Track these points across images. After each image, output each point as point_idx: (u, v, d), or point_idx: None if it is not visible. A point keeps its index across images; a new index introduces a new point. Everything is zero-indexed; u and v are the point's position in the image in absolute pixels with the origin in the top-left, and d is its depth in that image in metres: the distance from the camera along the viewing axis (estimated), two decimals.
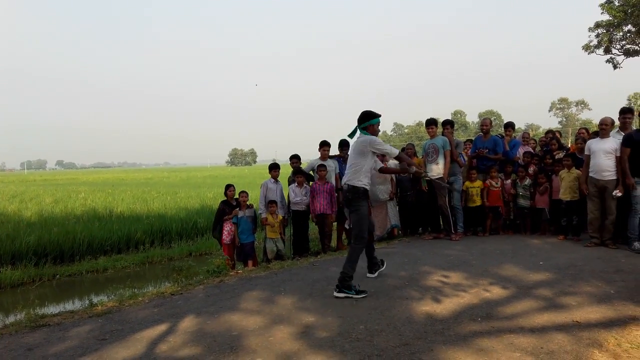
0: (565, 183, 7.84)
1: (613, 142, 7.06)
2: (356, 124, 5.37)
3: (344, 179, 5.39)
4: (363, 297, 4.92)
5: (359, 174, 5.22)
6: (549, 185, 8.31)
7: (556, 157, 8.57)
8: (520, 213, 8.82)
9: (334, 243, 9.07)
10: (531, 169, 8.74)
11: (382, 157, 7.12)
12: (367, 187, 5.31)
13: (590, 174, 7.25)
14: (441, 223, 8.72)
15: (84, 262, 11.14)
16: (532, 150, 9.48)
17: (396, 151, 5.41)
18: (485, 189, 8.67)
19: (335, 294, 5.01)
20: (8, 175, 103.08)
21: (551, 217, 8.42)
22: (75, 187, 34.54)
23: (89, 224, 13.55)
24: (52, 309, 7.81)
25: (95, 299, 6.09)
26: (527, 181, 8.57)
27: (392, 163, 5.86)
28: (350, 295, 4.94)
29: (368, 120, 5.29)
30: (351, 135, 5.55)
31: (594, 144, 7.27)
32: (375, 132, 5.37)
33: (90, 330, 4.26)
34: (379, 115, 5.35)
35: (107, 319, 4.59)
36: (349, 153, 5.72)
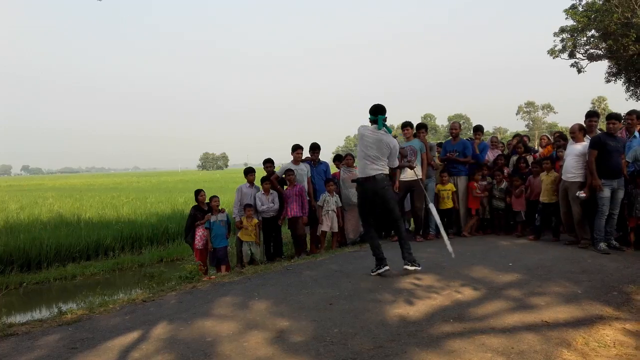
0: (544, 185, 7.99)
1: (581, 145, 7.23)
2: (376, 116, 5.82)
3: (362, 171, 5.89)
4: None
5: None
6: (524, 188, 8.47)
7: (526, 159, 8.79)
8: (495, 214, 8.99)
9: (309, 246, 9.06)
10: (505, 171, 8.93)
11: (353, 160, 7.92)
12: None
13: (562, 177, 7.44)
14: (414, 225, 8.80)
15: (51, 269, 10.89)
16: (502, 153, 9.67)
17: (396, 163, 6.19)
18: (472, 190, 8.79)
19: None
20: None
21: (527, 219, 8.58)
22: (42, 192, 33.79)
23: (56, 230, 13.25)
24: (20, 318, 7.62)
25: (64, 307, 5.95)
26: (504, 184, 8.73)
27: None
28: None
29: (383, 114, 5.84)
30: (380, 126, 5.82)
31: (568, 149, 7.48)
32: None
33: (60, 338, 4.16)
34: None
35: (77, 327, 4.49)
36: (367, 145, 5.84)
